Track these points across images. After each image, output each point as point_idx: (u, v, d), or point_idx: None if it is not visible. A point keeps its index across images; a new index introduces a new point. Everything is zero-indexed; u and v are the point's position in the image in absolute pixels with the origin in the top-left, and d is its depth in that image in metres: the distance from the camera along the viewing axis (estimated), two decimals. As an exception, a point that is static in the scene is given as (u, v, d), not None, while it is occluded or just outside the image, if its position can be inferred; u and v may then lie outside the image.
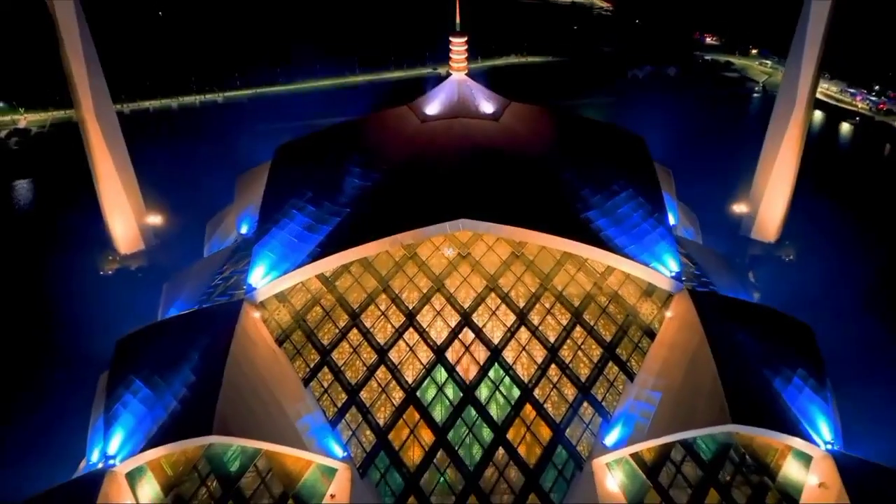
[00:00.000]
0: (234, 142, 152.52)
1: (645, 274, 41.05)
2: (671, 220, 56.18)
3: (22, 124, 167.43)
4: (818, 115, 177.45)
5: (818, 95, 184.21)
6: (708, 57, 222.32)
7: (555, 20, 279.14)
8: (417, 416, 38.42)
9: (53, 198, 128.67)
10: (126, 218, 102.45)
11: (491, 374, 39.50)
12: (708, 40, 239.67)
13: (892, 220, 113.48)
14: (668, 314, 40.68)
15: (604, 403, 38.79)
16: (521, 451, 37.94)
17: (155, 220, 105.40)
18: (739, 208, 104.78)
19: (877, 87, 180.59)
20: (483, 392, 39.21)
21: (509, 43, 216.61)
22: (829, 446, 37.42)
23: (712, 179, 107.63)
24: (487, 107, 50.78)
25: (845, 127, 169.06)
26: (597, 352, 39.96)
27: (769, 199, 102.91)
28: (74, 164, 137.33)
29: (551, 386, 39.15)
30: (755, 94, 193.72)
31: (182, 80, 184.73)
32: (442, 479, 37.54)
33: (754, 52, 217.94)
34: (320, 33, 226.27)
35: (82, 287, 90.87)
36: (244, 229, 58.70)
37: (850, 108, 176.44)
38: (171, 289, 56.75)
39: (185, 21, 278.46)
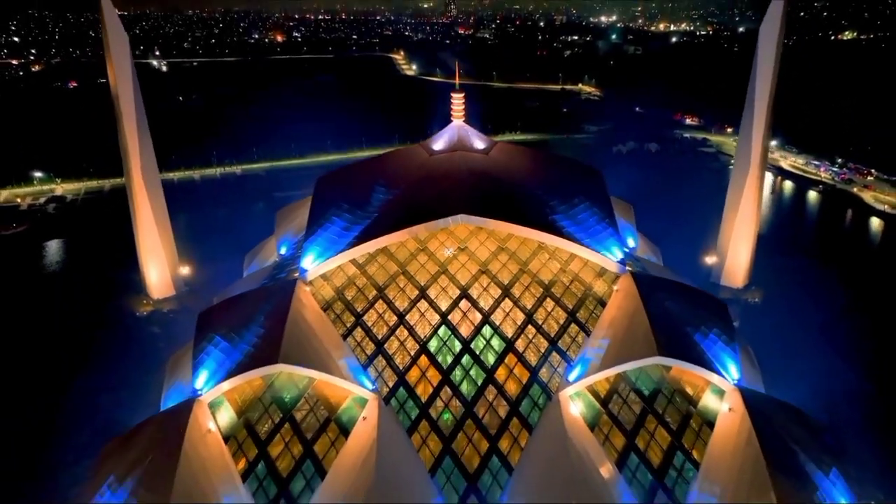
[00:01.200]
0: (252, 206, 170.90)
1: (597, 259, 55.08)
2: (631, 243, 70.71)
3: (58, 192, 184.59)
4: (788, 184, 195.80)
5: (788, 167, 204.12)
6: (687, 135, 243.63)
7: (547, 104, 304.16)
8: (427, 362, 51.49)
9: (88, 252, 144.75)
10: (161, 268, 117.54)
11: (483, 331, 52.86)
12: (688, 121, 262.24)
13: (846, 270, 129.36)
14: (615, 288, 54.43)
15: (568, 352, 51.93)
16: (506, 387, 50.83)
17: (184, 270, 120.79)
18: (710, 259, 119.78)
19: (839, 161, 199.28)
20: (477, 345, 52.44)
21: (505, 123, 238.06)
22: (736, 382, 50.42)
23: (686, 236, 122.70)
24: (480, 144, 66.50)
25: (812, 194, 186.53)
26: (562, 316, 53.46)
27: (734, 250, 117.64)
28: (104, 225, 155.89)
29: (528, 340, 52.45)
30: (729, 167, 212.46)
31: (204, 155, 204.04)
32: (446, 407, 50.22)
33: (729, 130, 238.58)
34: (331, 113, 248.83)
35: (122, 323, 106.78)
36: (283, 250, 72.85)
37: (815, 177, 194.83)
38: (221, 296, 70.17)
39: (205, 101, 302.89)
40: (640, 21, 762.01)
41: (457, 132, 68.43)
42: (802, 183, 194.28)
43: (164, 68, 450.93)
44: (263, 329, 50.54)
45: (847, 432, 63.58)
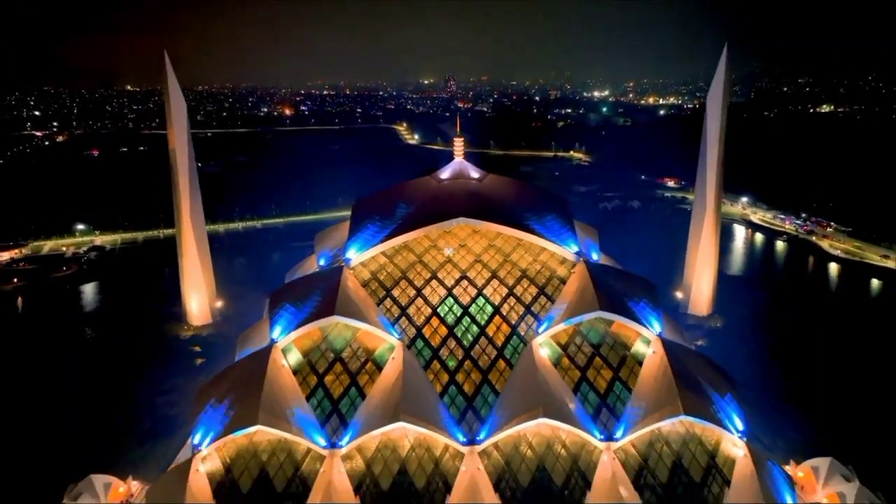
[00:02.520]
0: (272, 254, 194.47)
1: (560, 251, 76.71)
2: (594, 256, 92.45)
3: (98, 242, 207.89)
4: (758, 235, 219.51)
5: (757, 220, 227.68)
6: (668, 194, 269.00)
7: (541, 169, 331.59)
8: (437, 321, 72.40)
9: (130, 290, 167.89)
10: (201, 300, 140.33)
11: (477, 301, 73.98)
12: (669, 183, 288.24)
13: (800, 303, 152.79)
14: (573, 271, 75.88)
15: (538, 314, 72.85)
16: (494, 338, 71.53)
17: (218, 303, 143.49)
18: (679, 293, 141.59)
19: (803, 215, 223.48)
20: (473, 310, 73.43)
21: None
22: (658, 333, 71.13)
23: (661, 275, 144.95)
24: (475, 175, 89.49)
25: (778, 243, 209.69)
26: (534, 290, 74.70)
27: (697, 284, 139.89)
28: (141, 269, 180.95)
29: (510, 307, 73.54)
30: None
31: (227, 212, 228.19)
32: (451, 358, 70.76)
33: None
34: (340, 176, 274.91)
35: (169, 344, 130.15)
36: (322, 262, 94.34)
37: (781, 229, 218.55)
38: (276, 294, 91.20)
39: (223, 167, 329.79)
40: (630, 95, 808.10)
41: (458, 166, 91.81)
42: (770, 234, 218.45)
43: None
44: (321, 297, 71.73)
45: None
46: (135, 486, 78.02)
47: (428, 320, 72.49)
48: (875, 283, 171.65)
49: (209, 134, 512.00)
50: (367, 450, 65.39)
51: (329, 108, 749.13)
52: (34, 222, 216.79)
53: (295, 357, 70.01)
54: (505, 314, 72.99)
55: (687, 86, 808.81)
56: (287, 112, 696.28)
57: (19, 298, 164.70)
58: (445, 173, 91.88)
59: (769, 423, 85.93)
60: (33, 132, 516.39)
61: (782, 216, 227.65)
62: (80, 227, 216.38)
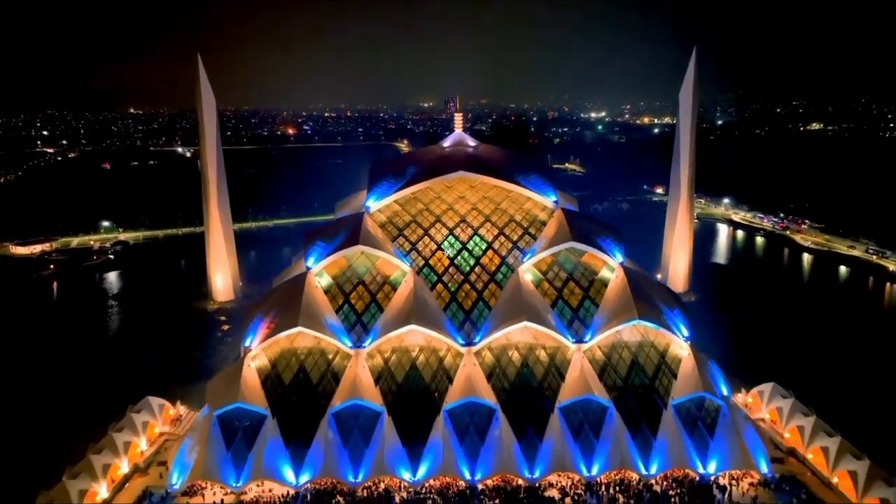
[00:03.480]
0: (282, 248, 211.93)
1: (542, 201, 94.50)
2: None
3: (121, 238, 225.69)
4: (740, 232, 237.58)
5: (738, 219, 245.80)
6: (654, 199, 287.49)
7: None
8: (442, 254, 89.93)
9: (157, 276, 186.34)
10: (226, 279, 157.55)
11: (473, 238, 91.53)
12: (657, 190, 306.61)
13: (772, 283, 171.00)
14: (552, 217, 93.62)
15: (523, 248, 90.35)
16: (487, 266, 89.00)
17: (239, 283, 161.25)
18: (658, 275, 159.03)
19: (781, 214, 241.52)
20: (470, 245, 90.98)
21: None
22: (620, 261, 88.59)
23: (645, 261, 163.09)
24: (472, 143, 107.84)
25: (758, 238, 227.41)
26: (520, 230, 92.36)
27: (674, 264, 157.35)
28: (163, 260, 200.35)
29: (499, 243, 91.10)
30: (695, 220, 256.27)
31: (240, 213, 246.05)
32: (453, 282, 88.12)
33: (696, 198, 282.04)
34: (345, 183, 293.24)
35: (198, 316, 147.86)
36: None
37: (759, 226, 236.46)
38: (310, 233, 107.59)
39: (233, 178, 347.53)
40: (626, 116, 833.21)
41: (458, 136, 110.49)
42: (749, 230, 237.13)
43: (189, 154, 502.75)
44: (347, 233, 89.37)
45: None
46: (182, 409, 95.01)
47: (434, 253, 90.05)
48: (843, 269, 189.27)
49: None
50: (385, 350, 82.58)
51: (331, 128, 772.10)
52: (61, 221, 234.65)
53: (326, 280, 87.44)
54: (496, 248, 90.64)
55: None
56: (290, 131, 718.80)
57: (55, 282, 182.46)
58: (447, 142, 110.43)
59: (729, 367, 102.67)
60: (45, 149, 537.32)
61: (761, 215, 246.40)
62: (105, 224, 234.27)
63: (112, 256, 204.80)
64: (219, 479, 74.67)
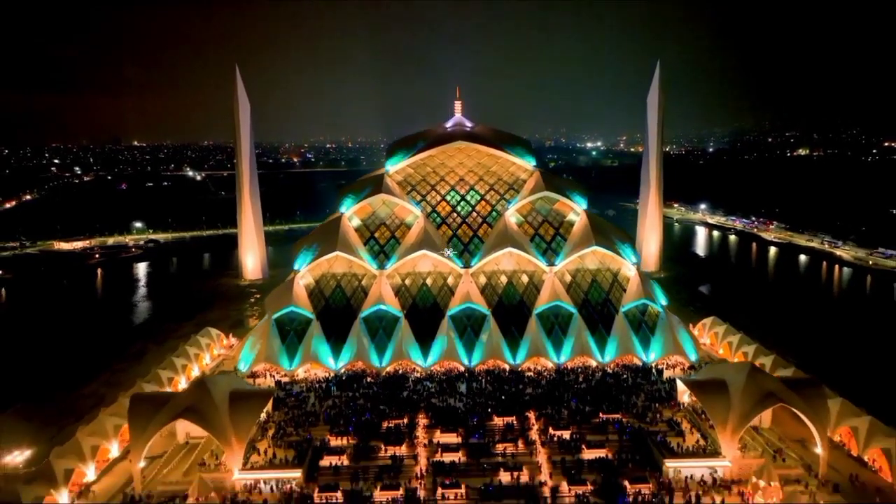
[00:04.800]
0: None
1: (524, 164, 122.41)
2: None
3: (152, 237, 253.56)
4: (715, 232, 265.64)
5: (713, 221, 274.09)
6: (639, 208, 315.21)
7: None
8: (445, 203, 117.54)
9: (189, 265, 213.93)
10: (255, 260, 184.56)
11: (470, 192, 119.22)
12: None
13: (734, 266, 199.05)
14: (532, 175, 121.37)
15: (510, 199, 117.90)
16: (481, 212, 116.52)
17: (266, 265, 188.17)
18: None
19: (752, 217, 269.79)
20: (468, 198, 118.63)
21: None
22: (584, 207, 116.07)
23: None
24: (468, 124, 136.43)
25: (731, 237, 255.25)
26: (506, 186, 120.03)
27: (646, 247, 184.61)
28: (190, 253, 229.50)
29: (490, 195, 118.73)
30: (676, 224, 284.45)
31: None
32: (454, 223, 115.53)
33: (675, 205, 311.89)
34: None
35: (231, 291, 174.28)
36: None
37: (731, 227, 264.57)
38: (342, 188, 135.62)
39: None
40: (621, 145, 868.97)
41: (458, 118, 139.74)
42: (723, 230, 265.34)
43: (199, 178, 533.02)
44: (372, 187, 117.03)
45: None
46: (233, 339, 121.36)
47: (439, 202, 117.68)
48: (802, 257, 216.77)
49: (225, 175, 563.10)
50: (402, 272, 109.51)
51: (334, 156, 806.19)
52: (97, 223, 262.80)
53: (356, 221, 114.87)
54: (487, 199, 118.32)
55: (677, 137, 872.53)
56: (294, 159, 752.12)
57: (99, 268, 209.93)
58: (449, 123, 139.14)
59: (687, 312, 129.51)
60: (62, 174, 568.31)
61: (733, 218, 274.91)
62: (137, 225, 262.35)
63: (144, 251, 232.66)
64: (276, 363, 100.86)
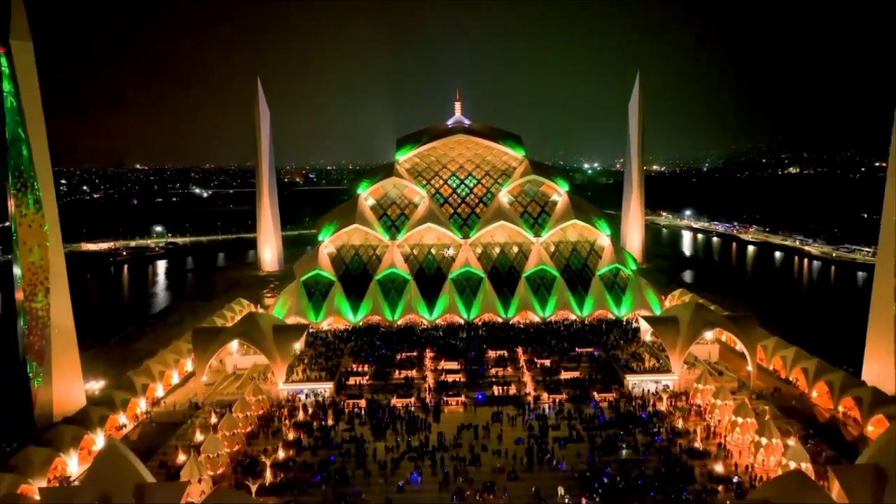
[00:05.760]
0: (306, 248, 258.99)
1: (515, 154, 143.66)
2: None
3: (171, 240, 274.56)
4: (699, 235, 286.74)
5: (697, 226, 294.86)
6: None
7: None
8: (448, 185, 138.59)
9: (208, 262, 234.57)
10: (273, 252, 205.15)
11: (469, 177, 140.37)
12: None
13: (715, 260, 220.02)
14: (522, 163, 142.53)
15: (503, 182, 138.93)
16: (477, 193, 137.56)
17: (282, 258, 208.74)
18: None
19: (735, 222, 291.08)
20: (466, 182, 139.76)
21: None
22: (566, 189, 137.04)
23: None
24: (467, 121, 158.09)
25: (714, 239, 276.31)
26: (500, 172, 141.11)
27: (630, 240, 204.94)
28: (208, 253, 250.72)
29: (486, 179, 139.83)
30: (663, 229, 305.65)
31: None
32: (455, 202, 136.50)
33: (662, 213, 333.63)
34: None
35: (252, 279, 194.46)
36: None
37: (714, 230, 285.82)
38: (358, 176, 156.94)
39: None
40: (617, 166, 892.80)
41: (458, 117, 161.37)
42: (706, 233, 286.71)
43: (206, 195, 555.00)
44: (384, 173, 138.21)
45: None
46: (261, 309, 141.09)
47: (442, 185, 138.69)
48: (777, 253, 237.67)
49: (230, 192, 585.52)
50: (411, 242, 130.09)
51: (335, 177, 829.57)
52: (119, 227, 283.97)
53: (371, 201, 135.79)
54: (483, 182, 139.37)
55: (672, 158, 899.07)
56: (298, 179, 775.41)
57: (126, 264, 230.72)
58: (450, 121, 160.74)
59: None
60: (72, 193, 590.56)
61: (716, 223, 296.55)
62: (157, 229, 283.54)
63: (165, 251, 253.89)
64: (305, 317, 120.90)
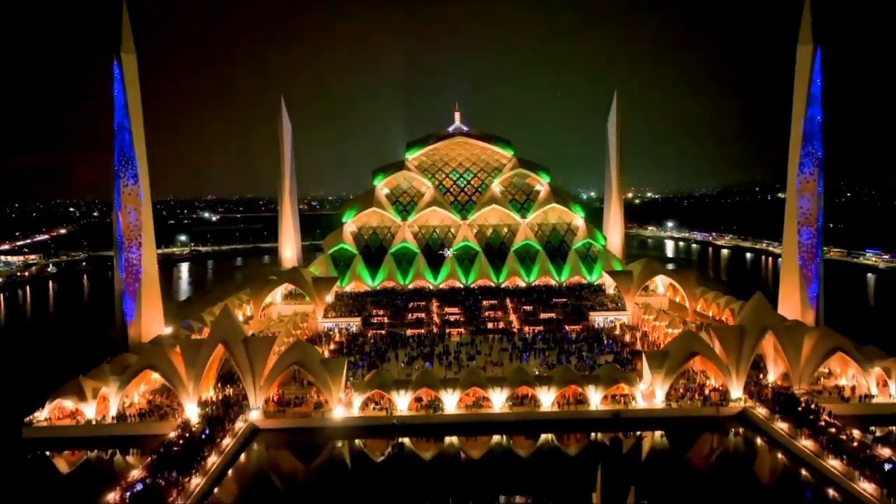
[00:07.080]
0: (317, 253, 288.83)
1: (506, 154, 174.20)
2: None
3: (194, 248, 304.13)
4: (680, 244, 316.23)
5: (677, 236, 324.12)
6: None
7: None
8: (449, 178, 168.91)
9: (228, 264, 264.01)
10: (293, 250, 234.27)
11: (467, 172, 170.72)
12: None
13: (690, 259, 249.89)
14: (511, 160, 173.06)
15: (497, 176, 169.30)
16: (474, 184, 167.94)
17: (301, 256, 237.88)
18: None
19: (712, 232, 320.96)
20: (465, 175, 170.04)
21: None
22: (548, 181, 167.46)
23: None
24: (465, 128, 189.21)
25: (693, 245, 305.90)
26: (492, 167, 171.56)
27: (610, 240, 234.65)
28: (220, 259, 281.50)
29: (482, 173, 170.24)
30: (648, 239, 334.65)
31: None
32: (455, 191, 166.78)
33: (649, 227, 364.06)
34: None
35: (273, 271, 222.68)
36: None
37: (692, 238, 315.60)
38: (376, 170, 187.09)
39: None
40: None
41: (457, 124, 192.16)
42: (686, 241, 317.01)
43: (215, 219, 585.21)
44: (396, 168, 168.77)
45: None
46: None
47: (444, 178, 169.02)
48: (748, 255, 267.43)
49: (238, 216, 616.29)
50: (420, 223, 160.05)
51: (338, 203, 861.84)
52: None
53: (385, 190, 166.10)
54: (480, 176, 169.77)
55: (664, 185, 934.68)
56: (302, 206, 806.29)
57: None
58: (451, 128, 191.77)
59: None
60: (86, 216, 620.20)
61: (695, 232, 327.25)
62: (182, 238, 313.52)
63: (190, 256, 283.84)
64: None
